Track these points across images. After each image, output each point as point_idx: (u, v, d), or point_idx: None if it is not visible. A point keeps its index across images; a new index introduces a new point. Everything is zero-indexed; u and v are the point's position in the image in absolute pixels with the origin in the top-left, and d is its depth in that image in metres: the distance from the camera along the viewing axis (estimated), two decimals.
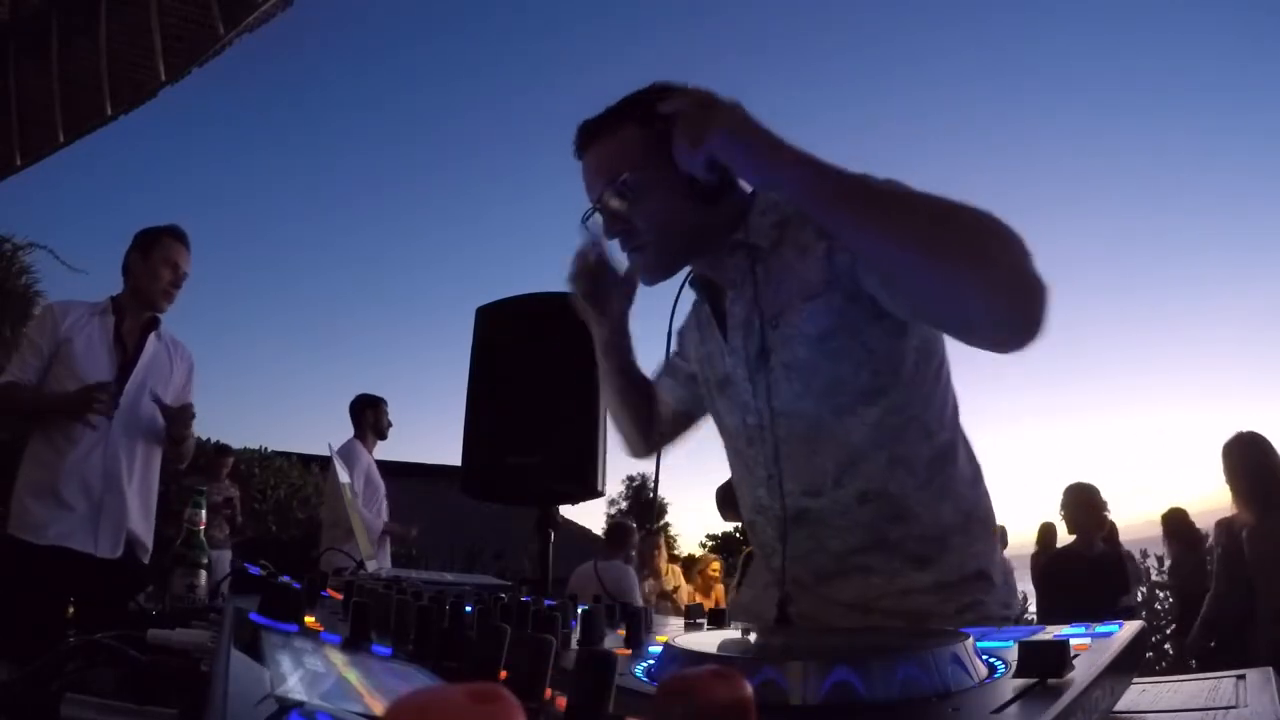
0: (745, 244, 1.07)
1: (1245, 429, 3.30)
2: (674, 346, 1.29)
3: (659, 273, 1.13)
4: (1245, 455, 3.20)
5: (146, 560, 2.44)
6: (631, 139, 1.07)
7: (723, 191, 1.06)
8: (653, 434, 1.32)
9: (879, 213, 0.84)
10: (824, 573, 1.06)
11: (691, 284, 1.19)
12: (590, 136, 1.10)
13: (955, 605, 1.00)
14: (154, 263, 2.49)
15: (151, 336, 2.53)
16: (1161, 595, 5.81)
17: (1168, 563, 5.17)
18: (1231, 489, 3.24)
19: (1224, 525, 3.50)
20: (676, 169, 1.01)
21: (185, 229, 2.60)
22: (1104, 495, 4.22)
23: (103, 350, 2.44)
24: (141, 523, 2.44)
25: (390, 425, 4.27)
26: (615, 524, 4.80)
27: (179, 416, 2.47)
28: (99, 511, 2.33)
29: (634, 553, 4.82)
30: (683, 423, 1.35)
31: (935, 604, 0.99)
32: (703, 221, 1.08)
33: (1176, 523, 4.73)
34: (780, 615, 1.07)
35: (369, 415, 4.17)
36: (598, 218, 1.12)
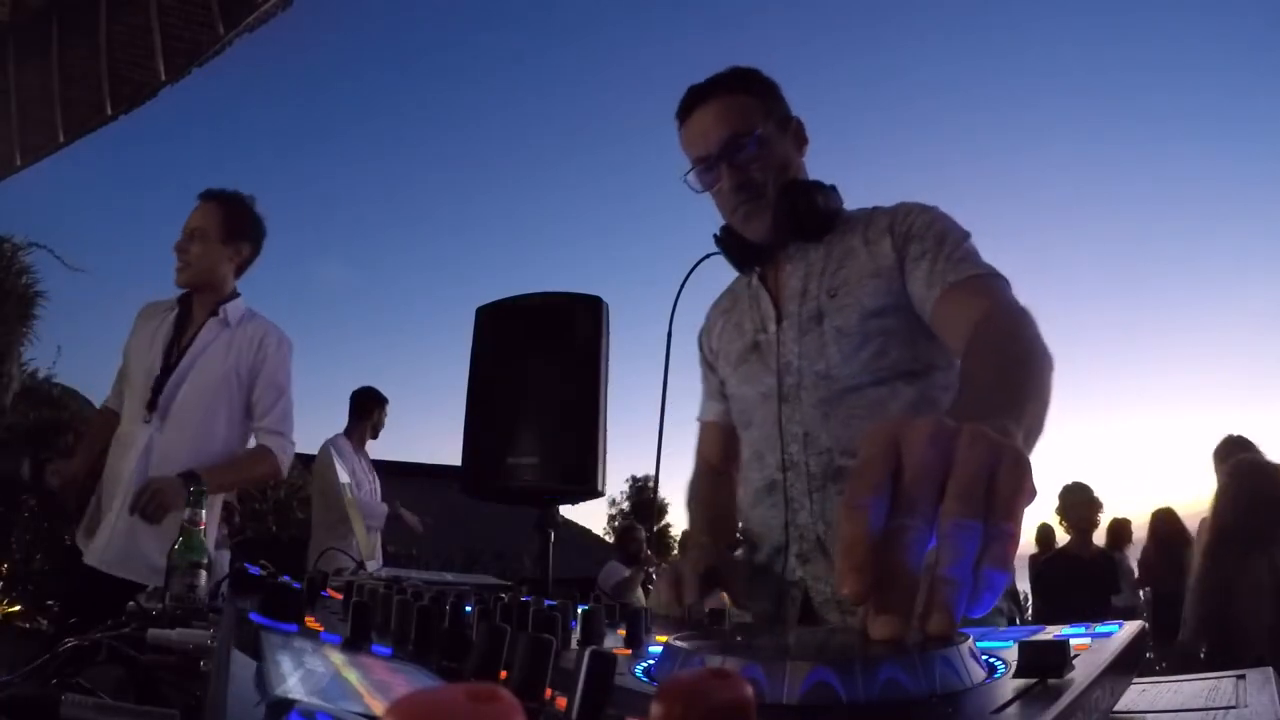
0: (825, 215, 1.17)
1: (1236, 433, 3.35)
2: (709, 361, 1.36)
3: (764, 225, 1.19)
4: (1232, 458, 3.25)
5: (153, 584, 2.04)
6: (750, 104, 1.18)
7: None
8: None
9: (1034, 436, 0.77)
10: None
11: (738, 264, 1.26)
12: (704, 97, 1.18)
13: None
14: None
15: (210, 323, 2.17)
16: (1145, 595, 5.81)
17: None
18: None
19: (1204, 524, 3.52)
20: (786, 135, 1.19)
21: (233, 195, 2.23)
22: (1100, 495, 4.23)
23: (150, 349, 2.17)
24: (153, 541, 2.01)
25: (383, 426, 4.20)
26: (623, 528, 4.89)
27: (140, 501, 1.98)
28: (104, 526, 2.09)
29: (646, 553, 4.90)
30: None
31: None
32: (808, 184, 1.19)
33: (1159, 522, 4.74)
34: (780, 573, 1.13)
35: (374, 412, 4.06)
36: (695, 176, 1.20)
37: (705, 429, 1.39)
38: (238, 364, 2.18)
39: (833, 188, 1.21)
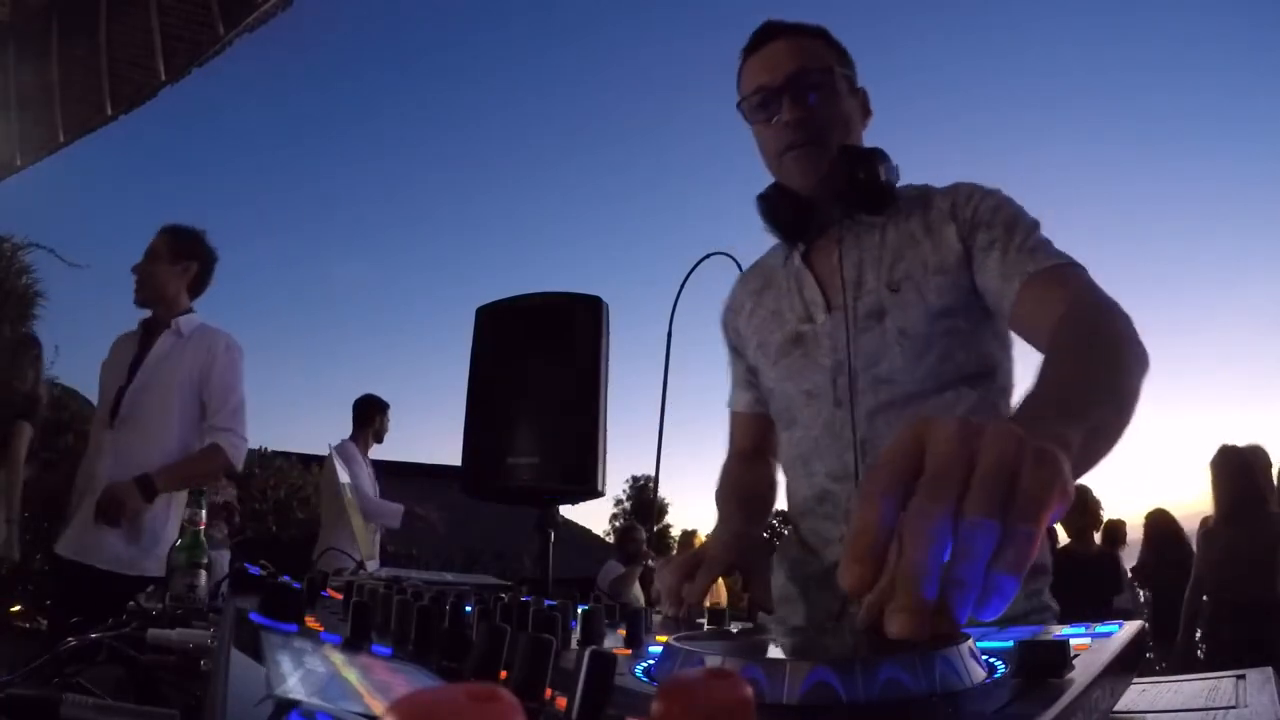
0: (884, 188, 1.08)
1: (1231, 442, 3.40)
2: (736, 346, 1.27)
3: (814, 176, 1.10)
4: (1227, 466, 3.32)
5: (132, 574, 2.29)
6: (827, 51, 1.12)
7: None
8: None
9: (1106, 440, 0.73)
10: None
11: (785, 231, 1.16)
12: (783, 30, 1.12)
13: (1023, 593, 1.01)
14: None
15: (163, 336, 2.42)
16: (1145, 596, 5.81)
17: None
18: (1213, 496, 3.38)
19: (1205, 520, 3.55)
20: (855, 98, 1.13)
21: (182, 227, 2.52)
22: (1098, 495, 4.23)
23: (117, 367, 2.43)
24: (125, 535, 2.29)
25: (387, 431, 4.27)
26: (624, 528, 4.88)
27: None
28: (80, 516, 2.33)
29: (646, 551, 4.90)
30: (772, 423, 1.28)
31: None
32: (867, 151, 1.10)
33: (1154, 523, 4.74)
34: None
35: (376, 419, 4.16)
36: (751, 105, 1.11)
37: (736, 419, 1.29)
38: (191, 370, 2.39)
39: (894, 163, 1.12)
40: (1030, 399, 0.72)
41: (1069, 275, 0.96)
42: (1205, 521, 3.56)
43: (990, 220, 1.03)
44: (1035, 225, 1.03)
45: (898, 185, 1.12)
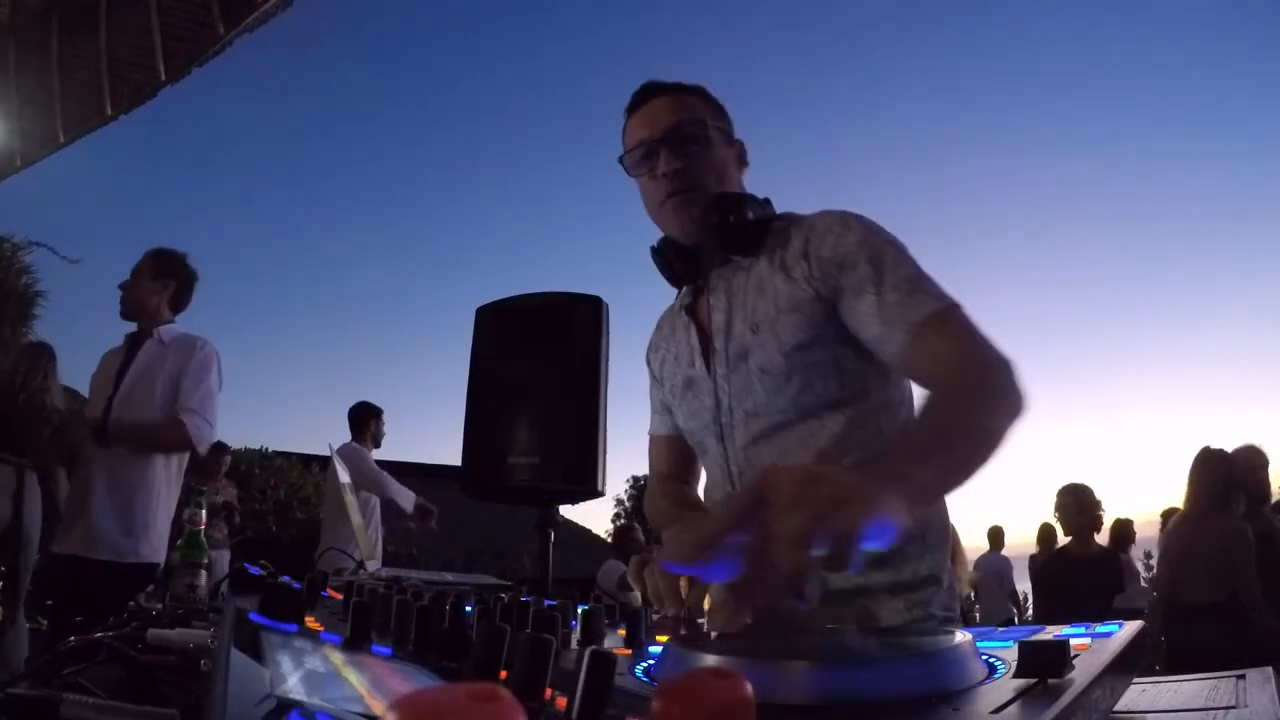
0: (755, 228, 1.14)
1: (1213, 445, 3.40)
2: (655, 377, 1.32)
3: (690, 222, 1.15)
4: (1200, 468, 3.33)
5: (128, 560, 2.47)
6: (701, 105, 1.19)
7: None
8: None
9: (959, 473, 0.83)
10: None
11: (675, 279, 1.24)
12: (661, 89, 1.20)
13: (905, 603, 1.05)
14: None
15: (145, 345, 2.63)
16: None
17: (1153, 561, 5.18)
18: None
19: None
20: (730, 149, 1.20)
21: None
22: (1100, 495, 4.22)
23: (105, 379, 2.63)
24: (113, 522, 2.48)
25: (384, 435, 4.30)
26: (621, 528, 4.85)
27: None
28: (74, 515, 2.54)
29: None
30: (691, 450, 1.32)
31: (886, 601, 1.05)
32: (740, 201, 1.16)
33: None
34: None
35: (371, 424, 4.21)
36: (633, 159, 1.18)
37: (656, 443, 1.34)
38: (171, 373, 2.60)
39: (766, 200, 1.20)
40: (896, 438, 0.88)
41: (951, 321, 0.98)
42: (1166, 520, 3.58)
43: (855, 261, 1.03)
44: (902, 258, 1.04)
45: (774, 216, 1.18)
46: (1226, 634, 2.95)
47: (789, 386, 1.07)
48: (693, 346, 1.19)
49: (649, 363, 1.34)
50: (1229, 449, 3.43)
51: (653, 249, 1.24)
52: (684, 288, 1.26)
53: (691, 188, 1.14)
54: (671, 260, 1.21)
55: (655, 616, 0.89)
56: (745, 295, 1.13)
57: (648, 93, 1.20)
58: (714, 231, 1.13)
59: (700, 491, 1.30)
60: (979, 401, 0.87)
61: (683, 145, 1.14)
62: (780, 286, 1.09)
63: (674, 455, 1.31)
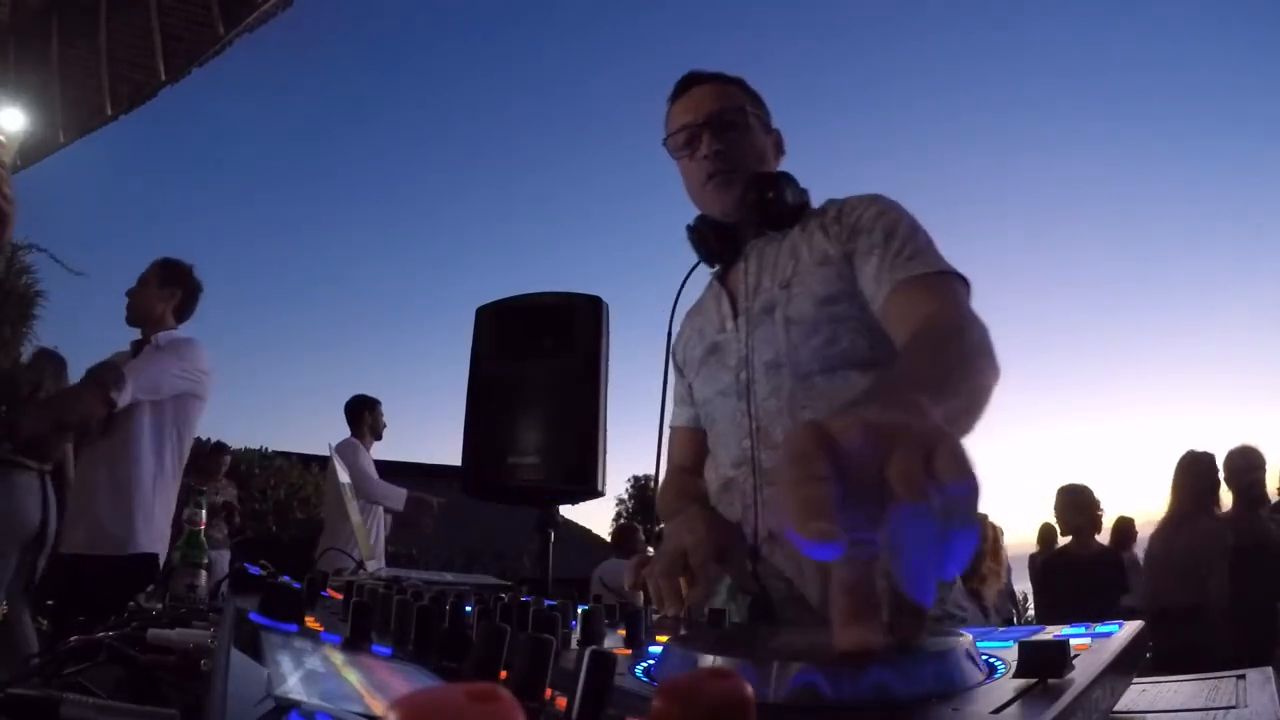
0: (792, 208, 1.19)
1: (1198, 448, 3.40)
2: (678, 364, 1.34)
3: (731, 200, 1.21)
4: (1183, 471, 3.34)
5: (128, 551, 2.51)
6: (742, 93, 1.25)
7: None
8: None
9: (964, 428, 0.75)
10: None
11: (710, 256, 1.27)
12: (703, 78, 1.26)
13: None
14: None
15: (146, 349, 2.69)
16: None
17: None
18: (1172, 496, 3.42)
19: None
20: (768, 136, 1.26)
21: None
22: (1100, 495, 4.22)
23: None
24: (110, 514, 2.53)
25: (385, 426, 4.28)
26: (622, 527, 4.83)
27: None
28: (77, 515, 2.63)
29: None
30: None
31: None
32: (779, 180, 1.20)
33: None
34: (752, 570, 1.09)
35: (367, 416, 4.18)
36: (676, 143, 1.23)
37: (675, 435, 1.37)
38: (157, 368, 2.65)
39: (804, 189, 1.24)
40: (886, 379, 0.76)
41: (937, 283, 1.00)
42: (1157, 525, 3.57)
43: (870, 227, 1.09)
44: (915, 230, 1.07)
45: (810, 203, 1.23)
46: (1199, 637, 2.95)
47: (815, 337, 1.09)
48: (723, 313, 1.22)
49: (674, 354, 1.36)
50: (1225, 450, 3.41)
51: (689, 227, 1.27)
52: (716, 267, 1.30)
53: (732, 169, 1.20)
54: (708, 238, 1.25)
55: (655, 616, 0.89)
56: (777, 258, 1.17)
57: (690, 81, 1.26)
58: (753, 209, 1.19)
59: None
60: (968, 358, 0.83)
61: (724, 130, 1.20)
62: (813, 245, 1.14)
63: (692, 446, 1.33)
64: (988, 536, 4.19)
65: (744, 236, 1.23)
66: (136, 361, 2.61)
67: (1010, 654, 0.43)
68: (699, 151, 1.21)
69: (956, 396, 0.72)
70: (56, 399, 2.78)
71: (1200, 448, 3.43)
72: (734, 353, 1.17)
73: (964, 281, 1.03)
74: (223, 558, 4.64)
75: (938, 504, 0.40)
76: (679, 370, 1.35)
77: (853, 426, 0.43)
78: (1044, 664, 0.39)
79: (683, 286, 1.28)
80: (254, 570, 0.91)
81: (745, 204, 1.19)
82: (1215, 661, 0.73)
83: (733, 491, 1.16)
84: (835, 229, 1.13)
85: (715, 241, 1.24)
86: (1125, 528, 4.98)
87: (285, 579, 0.77)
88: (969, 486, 0.40)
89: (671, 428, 1.37)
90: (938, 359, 0.81)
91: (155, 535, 2.55)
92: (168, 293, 2.80)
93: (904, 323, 0.98)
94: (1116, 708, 0.49)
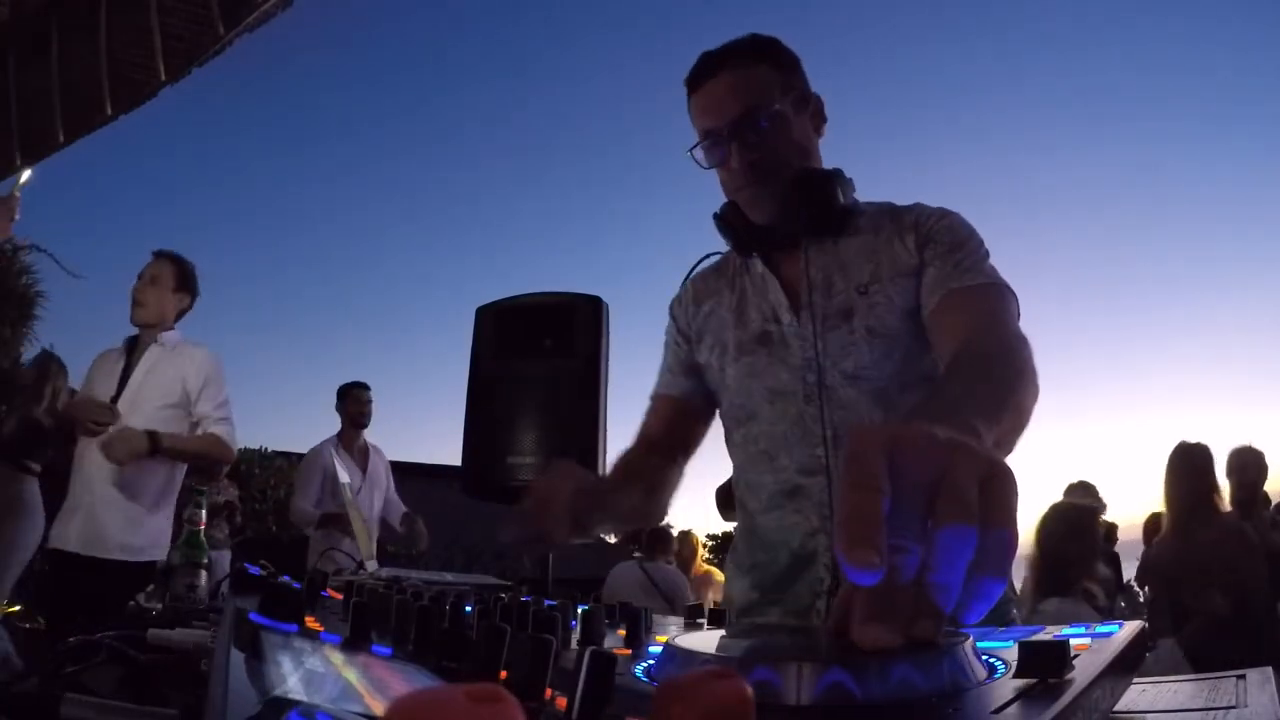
0: (843, 210, 1.11)
1: (1191, 440, 3.22)
2: (684, 333, 1.25)
3: (769, 211, 1.12)
4: (1178, 467, 3.17)
5: (131, 557, 2.51)
6: (767, 77, 1.10)
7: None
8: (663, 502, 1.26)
9: (1010, 448, 0.78)
10: None
11: (742, 245, 1.18)
12: (718, 66, 1.10)
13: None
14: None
15: (150, 350, 2.67)
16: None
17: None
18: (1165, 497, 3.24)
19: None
20: (804, 113, 1.13)
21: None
22: (1102, 494, 4.21)
23: (106, 380, 2.67)
24: (118, 518, 2.52)
25: (367, 413, 4.21)
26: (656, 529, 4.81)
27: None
28: (74, 511, 2.57)
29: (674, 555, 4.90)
30: (698, 417, 1.27)
31: None
32: (823, 167, 1.13)
33: (1152, 527, 4.72)
34: (833, 578, 1.05)
35: (349, 403, 4.21)
36: (701, 151, 1.12)
37: (658, 404, 1.26)
38: (175, 379, 2.64)
39: (849, 179, 1.15)
40: (942, 394, 0.76)
41: (987, 294, 1.00)
42: (1148, 526, 3.46)
43: (939, 238, 1.08)
44: (978, 247, 1.07)
45: (860, 203, 1.16)
46: (1240, 640, 2.86)
47: (896, 350, 1.06)
48: (775, 302, 1.14)
49: (676, 319, 1.26)
50: (1225, 450, 3.37)
51: (717, 215, 1.17)
52: (740, 254, 1.21)
53: (769, 175, 1.09)
54: (739, 230, 1.16)
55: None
56: (849, 255, 1.11)
57: (707, 68, 1.11)
58: (795, 217, 1.10)
59: (686, 465, 1.24)
60: (1014, 377, 0.82)
61: (754, 135, 1.08)
62: (892, 252, 1.09)
63: (673, 420, 1.24)
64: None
65: (786, 232, 1.13)
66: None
67: (1010, 654, 0.43)
68: (729, 161, 1.10)
69: (1004, 420, 0.72)
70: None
71: (1191, 439, 3.28)
72: (797, 351, 1.11)
73: (1014, 296, 1.02)
74: (223, 558, 4.63)
75: (978, 540, 0.40)
76: (682, 334, 1.26)
77: (918, 438, 0.44)
78: (1044, 664, 0.39)
79: (683, 286, 1.28)
80: (254, 570, 0.91)
81: (789, 210, 1.10)
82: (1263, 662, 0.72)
83: (801, 499, 1.11)
84: (911, 238, 1.09)
85: (747, 235, 1.15)
86: (1106, 533, 4.96)
87: (285, 579, 0.77)
88: (1009, 535, 0.41)
89: (655, 396, 1.28)
90: (991, 380, 0.80)
91: (159, 541, 2.55)
92: (180, 297, 2.78)
93: (951, 332, 0.98)
94: (1116, 708, 0.49)
